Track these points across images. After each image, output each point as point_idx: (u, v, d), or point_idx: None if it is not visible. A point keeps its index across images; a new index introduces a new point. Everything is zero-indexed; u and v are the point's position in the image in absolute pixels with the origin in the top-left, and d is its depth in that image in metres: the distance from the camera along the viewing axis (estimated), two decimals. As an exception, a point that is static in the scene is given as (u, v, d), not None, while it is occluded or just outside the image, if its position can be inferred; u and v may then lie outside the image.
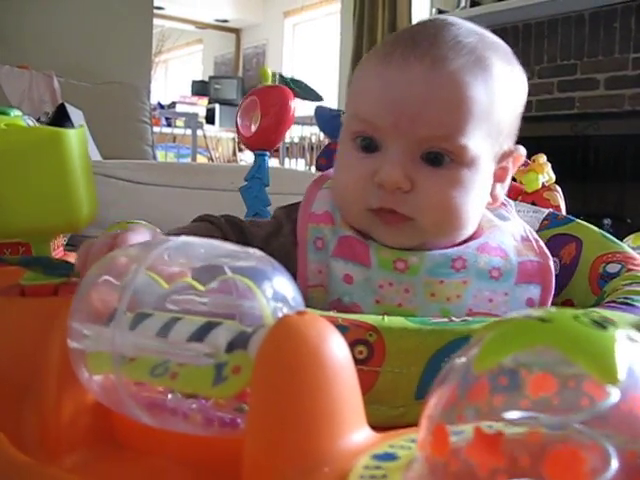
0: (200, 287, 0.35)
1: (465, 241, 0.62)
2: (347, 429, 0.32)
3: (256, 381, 0.32)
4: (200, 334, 0.34)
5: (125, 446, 0.40)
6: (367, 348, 0.43)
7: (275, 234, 0.65)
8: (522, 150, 0.65)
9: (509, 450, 0.24)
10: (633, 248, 0.72)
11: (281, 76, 0.93)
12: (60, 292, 0.48)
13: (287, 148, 4.15)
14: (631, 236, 0.92)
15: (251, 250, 0.38)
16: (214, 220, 0.66)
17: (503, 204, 0.69)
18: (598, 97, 3.12)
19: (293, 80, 0.92)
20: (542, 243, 0.65)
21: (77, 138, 0.48)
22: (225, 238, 0.62)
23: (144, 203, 1.79)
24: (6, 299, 0.48)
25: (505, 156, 0.63)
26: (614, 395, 0.25)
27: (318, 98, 0.95)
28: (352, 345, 0.41)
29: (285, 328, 0.32)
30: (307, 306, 0.62)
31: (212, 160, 5.03)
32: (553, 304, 0.66)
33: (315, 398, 0.31)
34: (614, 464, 0.24)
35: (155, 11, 3.70)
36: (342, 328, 0.42)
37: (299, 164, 4.35)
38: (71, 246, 0.71)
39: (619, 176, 3.09)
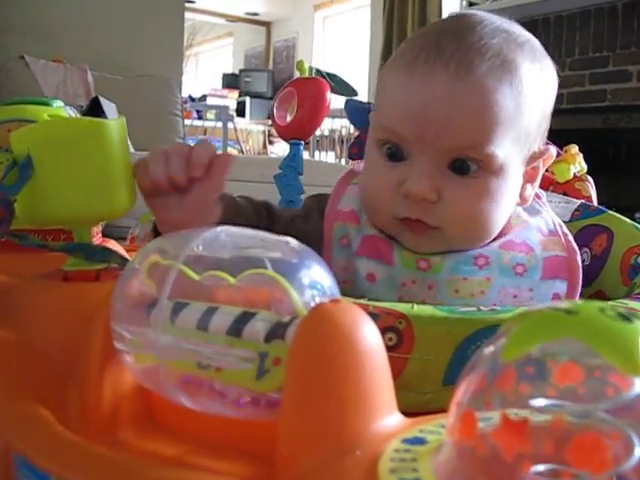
0: (231, 279, 0.36)
1: (490, 241, 0.62)
2: (379, 414, 0.32)
3: (291, 366, 0.33)
4: (238, 326, 0.35)
5: (165, 427, 0.41)
6: (396, 335, 0.44)
7: (303, 220, 0.66)
8: (553, 150, 0.64)
9: (534, 436, 0.25)
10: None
11: (318, 70, 0.93)
12: (101, 277, 0.50)
13: (317, 141, 4.16)
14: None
15: (287, 239, 0.39)
16: (250, 200, 0.68)
17: (537, 196, 0.67)
18: (630, 89, 3.08)
19: (329, 74, 0.93)
20: (571, 238, 0.63)
21: (117, 129, 0.50)
22: (257, 213, 0.66)
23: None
24: (50, 283, 0.49)
25: (535, 157, 0.62)
26: (638, 385, 0.25)
27: (353, 93, 0.96)
28: (382, 332, 0.42)
29: (320, 315, 0.33)
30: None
31: (242, 152, 5.05)
32: (584, 295, 0.66)
33: (348, 383, 0.32)
34: (637, 452, 0.24)
35: (186, 5, 3.73)
36: (373, 316, 0.43)
37: (329, 156, 4.36)
38: (104, 236, 0.73)
39: (652, 170, 3.05)
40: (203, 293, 0.37)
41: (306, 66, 0.90)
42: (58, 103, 0.61)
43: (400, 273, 0.60)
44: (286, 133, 0.88)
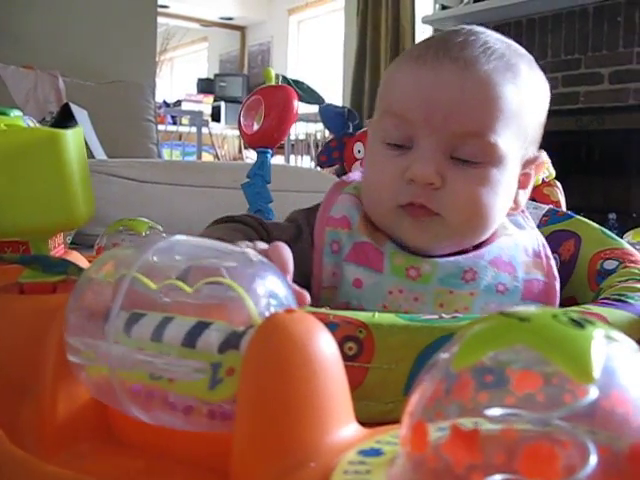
0: (187, 289, 0.35)
1: (479, 245, 0.63)
2: (334, 424, 0.32)
3: (244, 377, 0.32)
4: (192, 337, 0.34)
5: (122, 442, 0.40)
6: (357, 344, 0.43)
7: (295, 240, 0.65)
8: (544, 157, 0.66)
9: (485, 446, 0.25)
10: (633, 244, 0.73)
11: (284, 77, 0.93)
12: (58, 289, 0.49)
13: (292, 145, 4.15)
14: (631, 232, 0.92)
15: (243, 249, 0.39)
16: (246, 220, 0.66)
17: (522, 210, 0.69)
18: (602, 91, 3.11)
19: (296, 82, 0.93)
20: (553, 262, 0.65)
21: (74, 138, 0.49)
22: (261, 238, 0.62)
23: (148, 201, 1.80)
24: (5, 296, 0.48)
25: (529, 162, 0.65)
26: (592, 393, 0.25)
27: (320, 101, 0.95)
28: (342, 341, 0.42)
29: (273, 325, 0.32)
30: (320, 307, 0.62)
31: (218, 158, 5.02)
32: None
33: (302, 394, 0.31)
34: (592, 460, 0.24)
35: (160, 9, 3.70)
36: (332, 325, 0.42)
37: (304, 161, 4.35)
38: (75, 244, 0.72)
39: (624, 171, 3.08)
40: (159, 303, 0.36)
41: (272, 74, 0.89)
42: (16, 112, 0.60)
43: (388, 281, 0.60)
44: (253, 141, 0.88)
